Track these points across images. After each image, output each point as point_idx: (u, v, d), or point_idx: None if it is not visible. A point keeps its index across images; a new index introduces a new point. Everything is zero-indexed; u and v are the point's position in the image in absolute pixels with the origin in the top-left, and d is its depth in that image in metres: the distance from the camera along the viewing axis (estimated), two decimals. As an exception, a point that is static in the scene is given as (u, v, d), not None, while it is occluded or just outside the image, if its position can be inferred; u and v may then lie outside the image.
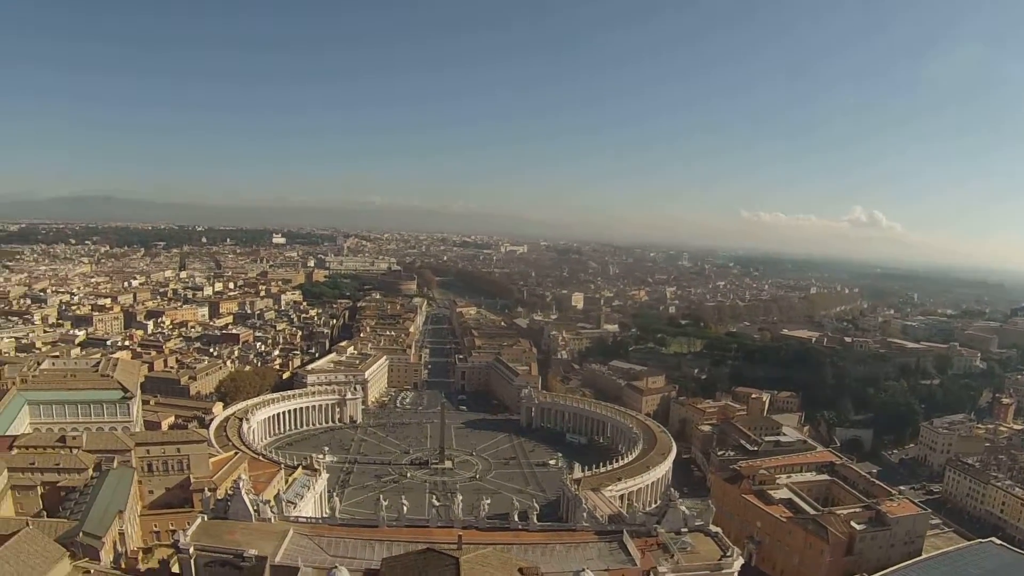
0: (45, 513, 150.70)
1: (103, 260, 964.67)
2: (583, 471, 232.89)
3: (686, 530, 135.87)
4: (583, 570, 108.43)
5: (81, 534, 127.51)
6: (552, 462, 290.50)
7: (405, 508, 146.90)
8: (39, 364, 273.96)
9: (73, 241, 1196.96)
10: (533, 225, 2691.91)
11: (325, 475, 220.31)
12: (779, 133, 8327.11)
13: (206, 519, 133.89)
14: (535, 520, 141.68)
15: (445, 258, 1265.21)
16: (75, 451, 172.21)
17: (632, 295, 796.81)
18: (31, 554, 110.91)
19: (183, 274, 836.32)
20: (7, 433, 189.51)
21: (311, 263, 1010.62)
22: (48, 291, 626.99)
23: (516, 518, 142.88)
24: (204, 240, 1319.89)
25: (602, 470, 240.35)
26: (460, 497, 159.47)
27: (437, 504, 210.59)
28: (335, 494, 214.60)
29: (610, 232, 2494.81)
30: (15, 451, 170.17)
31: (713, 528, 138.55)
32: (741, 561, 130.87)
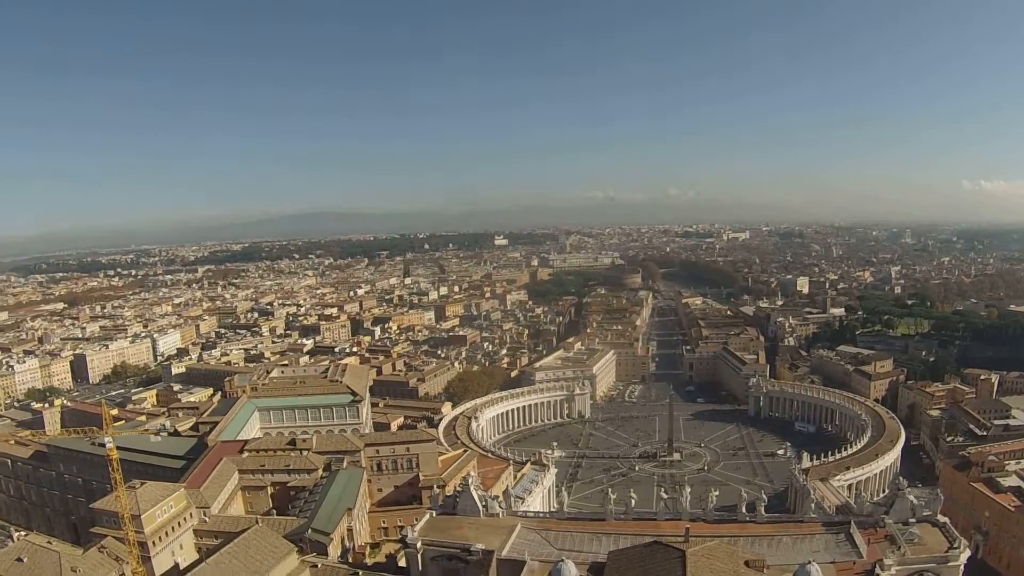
0: (275, 511, 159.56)
1: (327, 272, 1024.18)
2: (811, 460, 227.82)
3: (913, 520, 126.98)
4: (809, 563, 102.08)
5: (310, 530, 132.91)
6: (780, 452, 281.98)
7: (633, 501, 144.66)
8: (268, 373, 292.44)
9: (296, 256, 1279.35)
10: (754, 209, 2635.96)
11: (553, 470, 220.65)
12: (1002, 97, 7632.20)
13: (434, 515, 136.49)
14: (763, 512, 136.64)
15: (668, 249, 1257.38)
16: (305, 453, 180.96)
17: (856, 276, 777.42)
18: (260, 549, 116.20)
19: (408, 280, 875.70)
20: (238, 438, 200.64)
21: (535, 262, 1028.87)
22: (275, 304, 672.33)
23: (744, 510, 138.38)
24: (427, 247, 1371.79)
25: (830, 459, 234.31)
26: (688, 489, 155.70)
27: (665, 497, 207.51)
28: (563, 488, 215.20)
29: (831, 211, 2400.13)
30: (246, 454, 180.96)
31: (941, 518, 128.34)
32: (967, 554, 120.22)
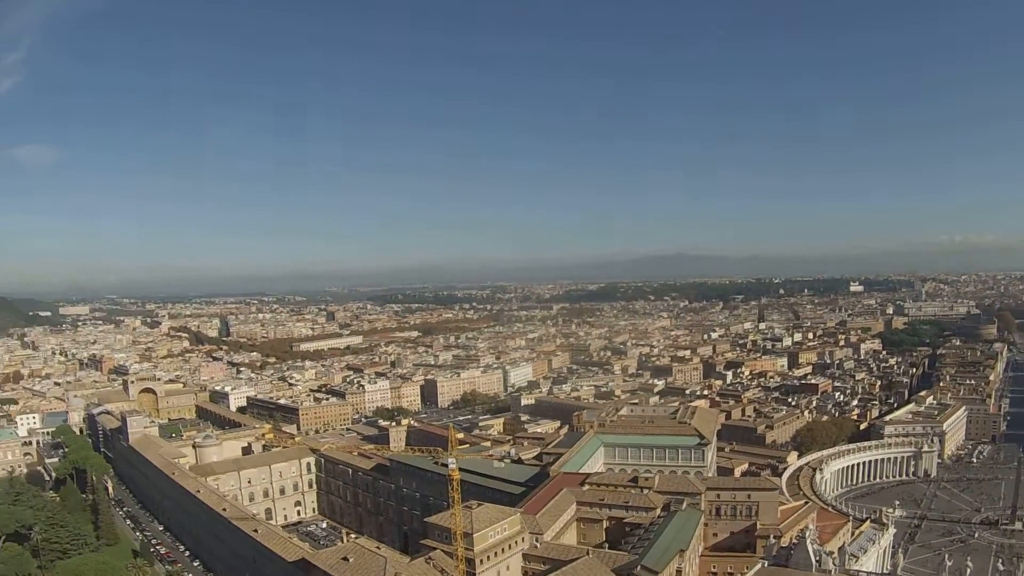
0: (607, 545, 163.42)
1: (682, 314, 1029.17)
2: None
3: None
4: None
5: (639, 567, 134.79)
6: None
7: (968, 571, 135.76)
8: (617, 410, 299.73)
9: (652, 297, 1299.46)
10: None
11: (892, 530, 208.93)
12: None
13: (766, 565, 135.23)
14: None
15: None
16: (646, 491, 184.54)
17: None
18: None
19: (762, 325, 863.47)
20: (581, 471, 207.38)
21: (889, 310, 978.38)
22: (628, 344, 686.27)
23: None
24: (781, 292, 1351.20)
25: None
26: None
27: (1001, 569, 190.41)
28: (899, 550, 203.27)
29: None
30: (586, 487, 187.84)
31: None
32: None
